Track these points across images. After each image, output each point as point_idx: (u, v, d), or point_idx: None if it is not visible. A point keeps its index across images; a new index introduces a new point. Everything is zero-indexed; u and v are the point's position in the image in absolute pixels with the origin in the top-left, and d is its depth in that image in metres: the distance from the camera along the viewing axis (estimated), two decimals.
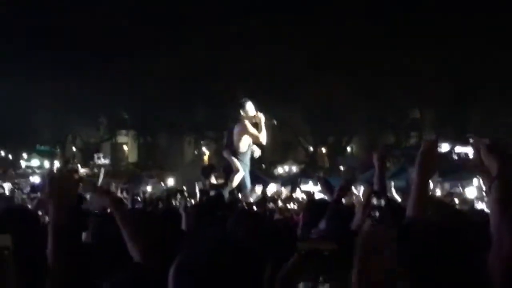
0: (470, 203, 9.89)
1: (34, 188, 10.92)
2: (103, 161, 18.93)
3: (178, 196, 8.46)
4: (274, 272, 2.10)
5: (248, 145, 8.80)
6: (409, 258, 1.81)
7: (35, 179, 14.13)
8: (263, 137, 8.68)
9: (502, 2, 29.54)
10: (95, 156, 20.97)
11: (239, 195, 8.42)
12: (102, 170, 14.54)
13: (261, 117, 8.64)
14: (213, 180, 9.71)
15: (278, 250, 3.55)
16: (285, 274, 2.09)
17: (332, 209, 4.04)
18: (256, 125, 8.76)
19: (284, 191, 11.12)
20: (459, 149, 18.68)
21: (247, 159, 8.86)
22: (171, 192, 8.78)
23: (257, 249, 2.40)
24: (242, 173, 8.74)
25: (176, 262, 1.94)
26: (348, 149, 46.52)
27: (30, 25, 33.79)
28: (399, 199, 11.42)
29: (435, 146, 2.77)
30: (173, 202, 8.51)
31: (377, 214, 2.01)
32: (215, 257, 1.97)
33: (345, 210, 4.23)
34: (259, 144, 9.08)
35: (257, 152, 9.10)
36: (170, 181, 11.42)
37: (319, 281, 2.16)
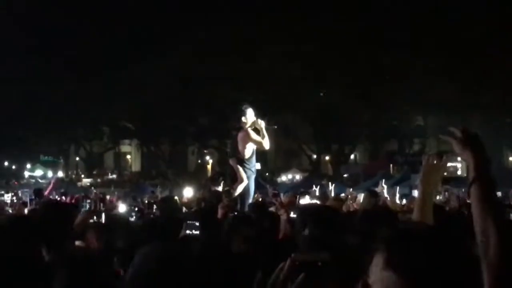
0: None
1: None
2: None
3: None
4: (265, 278, 2.04)
5: (253, 150, 8.73)
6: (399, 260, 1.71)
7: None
8: (266, 143, 8.64)
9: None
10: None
11: (240, 204, 8.35)
12: None
13: (262, 123, 8.61)
14: (220, 188, 9.64)
15: (273, 258, 3.48)
16: (276, 282, 2.02)
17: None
18: (257, 131, 8.71)
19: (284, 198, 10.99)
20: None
21: (253, 165, 8.79)
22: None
23: (248, 255, 2.37)
24: (245, 182, 8.64)
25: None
26: (352, 156, 46.47)
27: (31, 33, 33.85)
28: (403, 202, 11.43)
29: (439, 161, 2.86)
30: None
31: None
32: (204, 262, 1.94)
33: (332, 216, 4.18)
34: (262, 150, 9.04)
35: (257, 165, 9.03)
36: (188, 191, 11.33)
37: None
